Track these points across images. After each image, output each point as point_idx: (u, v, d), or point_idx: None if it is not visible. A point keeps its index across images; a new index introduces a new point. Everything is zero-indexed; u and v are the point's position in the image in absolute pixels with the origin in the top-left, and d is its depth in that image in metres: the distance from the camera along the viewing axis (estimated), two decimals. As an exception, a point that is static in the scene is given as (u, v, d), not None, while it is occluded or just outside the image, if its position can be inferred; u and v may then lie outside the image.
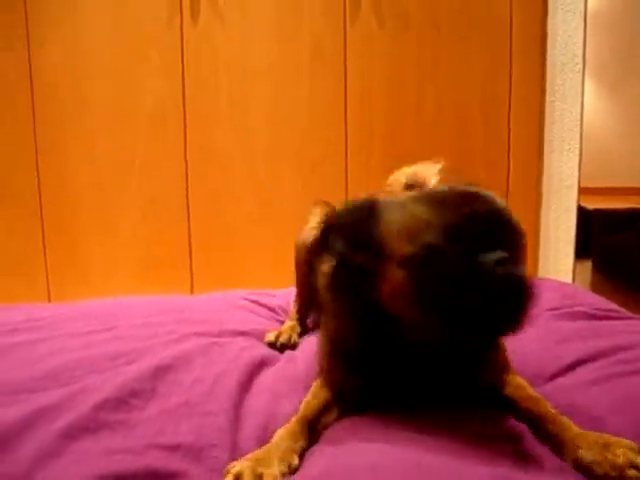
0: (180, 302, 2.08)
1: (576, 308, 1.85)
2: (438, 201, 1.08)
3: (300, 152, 3.21)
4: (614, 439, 1.05)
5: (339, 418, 1.25)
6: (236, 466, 1.03)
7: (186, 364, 1.47)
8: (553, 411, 1.18)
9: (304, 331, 1.90)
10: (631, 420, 1.14)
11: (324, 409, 1.26)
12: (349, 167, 3.20)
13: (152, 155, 3.20)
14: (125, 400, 1.26)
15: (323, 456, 1.07)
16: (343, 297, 1.24)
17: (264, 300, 2.17)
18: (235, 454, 1.13)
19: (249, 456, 1.08)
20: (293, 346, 1.77)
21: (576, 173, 3.40)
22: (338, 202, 1.92)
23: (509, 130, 3.23)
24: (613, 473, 0.98)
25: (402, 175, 1.97)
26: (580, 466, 1.03)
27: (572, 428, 1.12)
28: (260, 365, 1.54)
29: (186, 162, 3.20)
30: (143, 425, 1.19)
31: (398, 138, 3.18)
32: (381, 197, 1.20)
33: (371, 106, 3.18)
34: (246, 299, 2.16)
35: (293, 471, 1.06)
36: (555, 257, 3.39)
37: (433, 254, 1.04)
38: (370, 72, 3.17)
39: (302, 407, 1.26)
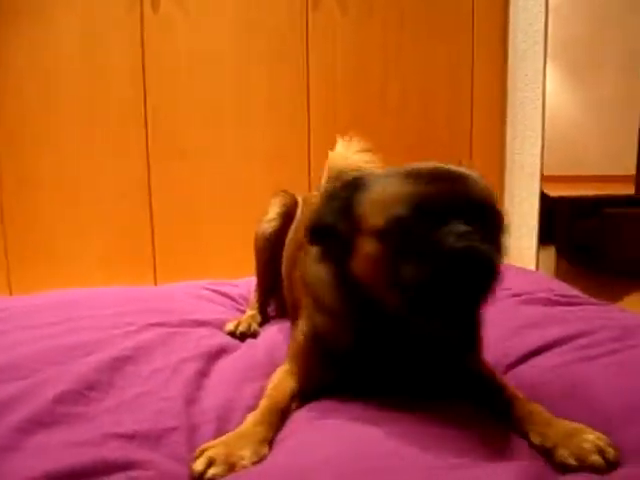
0: (141, 293, 2.06)
1: (538, 294, 1.87)
2: (413, 176, 1.08)
3: (263, 141, 3.20)
4: (585, 427, 1.05)
5: (301, 406, 1.24)
6: (208, 449, 1.02)
7: (145, 355, 1.45)
8: (521, 396, 1.19)
9: (265, 320, 1.89)
10: (579, 405, 1.16)
11: (292, 398, 1.25)
12: (312, 156, 3.19)
13: (114, 147, 3.17)
14: (83, 392, 1.23)
15: (285, 449, 1.06)
16: (329, 268, 1.23)
17: (225, 290, 2.16)
18: (194, 438, 1.13)
19: (222, 440, 1.07)
20: (253, 335, 1.75)
21: (538, 160, 3.43)
22: (300, 192, 1.94)
23: (471, 117, 3.25)
24: (579, 455, 0.97)
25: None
26: (545, 447, 1.03)
27: (543, 411, 1.12)
28: (219, 353, 1.52)
29: (148, 153, 3.17)
30: (101, 417, 1.16)
31: (362, 127, 3.13)
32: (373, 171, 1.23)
33: (335, 94, 3.18)
34: (207, 289, 2.14)
35: (262, 459, 1.05)
36: (519, 244, 3.41)
37: (399, 226, 1.04)
38: (333, 60, 3.16)
39: (271, 394, 1.24)
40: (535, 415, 1.11)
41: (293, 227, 1.80)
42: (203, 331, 1.68)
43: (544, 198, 3.49)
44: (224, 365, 1.46)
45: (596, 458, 0.97)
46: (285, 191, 1.92)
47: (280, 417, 1.18)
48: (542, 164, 3.44)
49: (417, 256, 1.01)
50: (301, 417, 1.19)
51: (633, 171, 7.19)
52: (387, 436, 1.03)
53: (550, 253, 5.56)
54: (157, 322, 1.68)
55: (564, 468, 0.98)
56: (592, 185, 8.34)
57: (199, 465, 0.99)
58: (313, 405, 1.23)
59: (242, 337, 1.72)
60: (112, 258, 3.21)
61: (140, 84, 3.12)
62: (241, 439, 1.07)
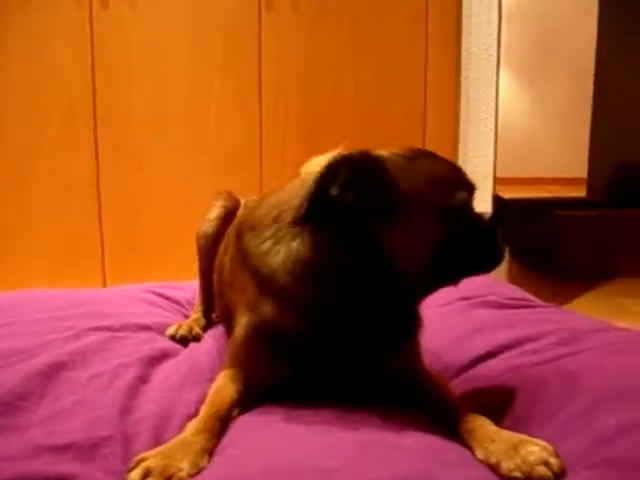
0: (83, 296, 1.98)
1: (488, 297, 1.86)
2: (449, 163, 1.21)
3: (214, 141, 3.15)
4: (530, 438, 1.03)
5: (244, 411, 1.20)
6: (145, 460, 0.98)
7: (83, 361, 1.39)
8: (464, 408, 1.16)
9: (209, 323, 1.84)
10: (526, 411, 1.15)
11: (234, 404, 1.20)
12: (264, 158, 3.15)
13: (62, 144, 3.07)
14: (13, 403, 1.17)
15: (224, 460, 1.02)
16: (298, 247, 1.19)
17: (171, 293, 2.11)
18: (130, 448, 1.09)
19: (159, 450, 1.02)
20: (196, 338, 1.71)
21: (492, 161, 3.42)
22: (252, 193, 1.89)
23: (424, 120, 3.23)
24: (524, 468, 0.95)
25: (314, 167, 1.95)
26: (490, 462, 1.01)
27: (488, 424, 1.10)
28: (160, 358, 1.47)
29: (97, 152, 3.08)
30: (32, 428, 1.11)
31: (314, 129, 3.14)
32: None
33: (287, 94, 3.14)
34: (153, 292, 2.09)
35: (201, 471, 1.01)
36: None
37: (464, 206, 1.15)
38: (285, 59, 3.13)
39: (212, 400, 1.20)
40: (478, 429, 1.08)
41: (229, 230, 1.72)
42: (144, 335, 1.62)
43: (497, 200, 3.48)
44: (164, 370, 1.42)
45: (542, 469, 0.94)
46: (227, 192, 1.87)
47: (221, 425, 1.13)
48: (495, 165, 3.44)
49: (471, 233, 1.16)
50: (243, 424, 1.15)
51: (585, 174, 7.27)
52: (330, 448, 1.00)
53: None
54: (97, 326, 1.62)
55: None
56: (544, 187, 8.45)
57: (134, 477, 0.95)
58: (256, 411, 1.20)
59: (183, 341, 1.67)
60: (59, 259, 3.12)
61: (89, 81, 3.04)
62: (180, 449, 1.02)
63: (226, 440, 1.10)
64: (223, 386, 1.24)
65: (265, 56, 3.11)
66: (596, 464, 0.93)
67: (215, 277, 1.71)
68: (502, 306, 1.81)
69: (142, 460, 0.98)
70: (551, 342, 1.47)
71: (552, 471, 0.95)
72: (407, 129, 3.23)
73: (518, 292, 1.99)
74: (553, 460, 0.96)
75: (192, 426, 1.10)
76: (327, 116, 3.16)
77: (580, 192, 7.24)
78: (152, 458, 0.99)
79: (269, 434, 1.08)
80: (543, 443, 1.00)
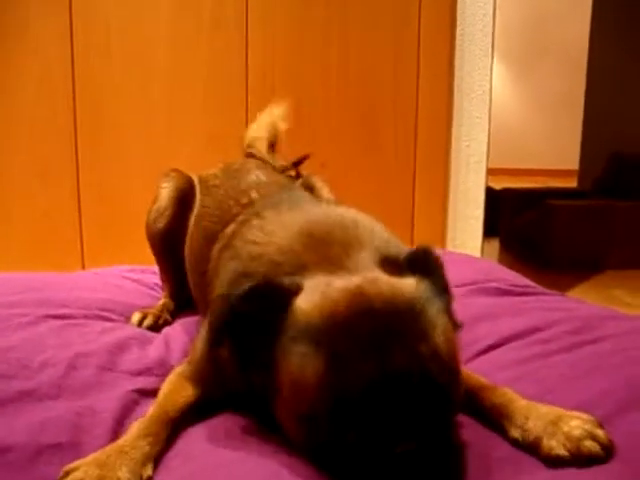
0: (47, 280, 1.81)
1: (491, 284, 1.70)
2: (335, 351, 0.82)
3: (199, 121, 2.99)
4: (569, 412, 0.91)
5: (198, 419, 1.05)
6: (76, 470, 0.82)
7: (35, 349, 1.23)
8: (487, 382, 1.05)
9: (181, 305, 1.70)
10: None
11: (188, 408, 1.05)
12: (249, 135, 2.99)
13: (39, 124, 2.91)
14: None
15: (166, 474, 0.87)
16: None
17: (144, 277, 1.96)
18: (81, 456, 0.91)
19: (95, 457, 0.86)
20: (164, 325, 1.58)
21: (485, 148, 3.29)
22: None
23: (417, 103, 3.09)
24: (568, 445, 0.84)
25: (260, 131, 1.83)
26: (527, 440, 0.90)
27: (518, 399, 0.98)
28: (123, 348, 1.32)
29: (75, 131, 2.92)
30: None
31: (301, 106, 2.98)
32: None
33: (273, 73, 2.99)
34: (125, 277, 1.95)
35: None
36: (463, 235, 3.26)
37: (326, 429, 0.82)
38: (273, 36, 2.97)
39: (162, 401, 1.05)
40: (509, 405, 0.97)
41: (195, 215, 1.58)
42: (109, 324, 1.48)
43: (488, 191, 3.36)
44: (129, 362, 1.26)
45: (590, 444, 0.84)
46: (177, 171, 1.70)
47: (170, 430, 0.98)
48: (489, 152, 3.31)
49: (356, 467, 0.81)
50: (194, 435, 1.00)
51: (576, 166, 7.19)
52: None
53: (494, 246, 5.48)
54: (57, 314, 1.47)
55: (554, 461, 0.85)
56: (536, 179, 8.36)
57: None
58: (211, 421, 1.04)
59: (153, 329, 1.54)
60: (37, 241, 2.96)
61: (68, 56, 2.87)
62: (118, 456, 0.87)
63: (174, 449, 0.95)
64: (177, 386, 1.10)
65: (252, 33, 2.96)
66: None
67: (191, 265, 1.55)
68: (504, 293, 1.65)
69: (72, 470, 0.83)
70: (562, 331, 1.33)
71: (600, 444, 0.84)
72: (399, 114, 3.09)
73: (520, 278, 1.84)
74: (600, 432, 0.86)
75: (134, 429, 0.95)
76: (315, 95, 3.01)
77: (571, 184, 7.16)
78: (84, 467, 0.83)
79: (223, 452, 0.92)
80: (585, 415, 0.90)
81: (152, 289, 1.87)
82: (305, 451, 0.88)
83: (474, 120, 3.26)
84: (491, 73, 3.25)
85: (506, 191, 6.04)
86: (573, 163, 7.42)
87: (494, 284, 1.70)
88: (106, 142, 2.96)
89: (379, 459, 0.77)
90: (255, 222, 1.16)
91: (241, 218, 1.24)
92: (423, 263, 0.96)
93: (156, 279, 1.87)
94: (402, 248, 1.07)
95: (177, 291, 1.71)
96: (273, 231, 1.10)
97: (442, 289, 0.95)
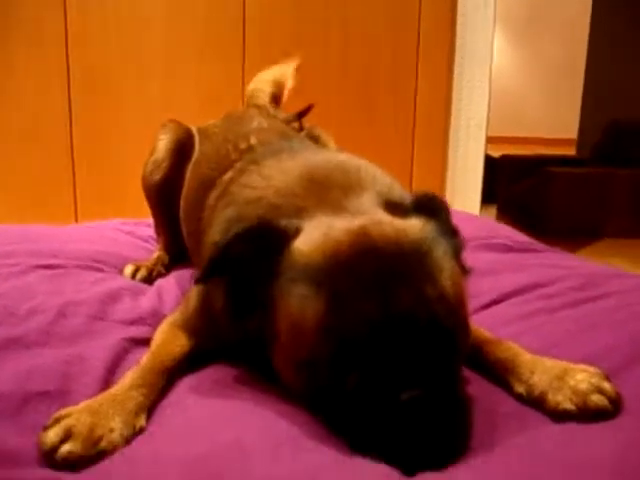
0: (43, 232, 1.78)
1: (493, 240, 1.67)
2: (336, 291, 0.79)
3: (195, 74, 2.94)
4: (574, 365, 0.88)
5: (193, 369, 1.01)
6: (66, 417, 0.78)
7: (24, 296, 1.20)
8: (491, 336, 1.02)
9: (175, 259, 1.66)
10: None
11: (184, 358, 1.02)
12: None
13: (31, 79, 2.86)
14: None
15: (163, 429, 0.83)
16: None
17: (138, 230, 1.93)
18: (70, 405, 0.86)
19: (86, 405, 0.82)
20: (157, 279, 1.54)
21: (485, 112, 3.25)
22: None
23: (417, 64, 3.05)
24: (575, 399, 0.82)
25: (264, 84, 1.78)
26: (533, 395, 0.87)
27: (523, 353, 0.95)
28: (115, 298, 1.28)
29: (69, 84, 2.88)
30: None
31: (299, 70, 2.93)
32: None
33: (270, 27, 2.92)
34: (118, 229, 1.91)
35: (138, 433, 0.82)
36: (461, 201, 3.23)
37: (325, 369, 0.79)
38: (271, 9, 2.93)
39: (157, 350, 1.01)
40: (513, 360, 0.94)
41: (193, 162, 1.53)
42: (101, 274, 1.44)
43: (486, 158, 3.33)
44: (121, 312, 1.23)
45: (597, 398, 0.81)
46: (175, 121, 1.65)
47: (165, 379, 0.95)
48: (489, 117, 3.26)
49: (356, 412, 0.77)
50: (188, 385, 0.96)
51: (575, 135, 7.15)
52: (283, 419, 0.81)
53: (491, 213, 5.44)
54: (48, 264, 1.43)
55: (561, 416, 0.82)
56: (534, 147, 8.30)
57: (52, 437, 0.75)
58: (204, 371, 1.01)
59: (146, 281, 1.51)
60: (30, 197, 2.94)
61: (60, 10, 2.81)
62: (111, 405, 0.83)
63: (170, 399, 0.92)
64: (171, 336, 1.06)
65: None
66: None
67: (186, 213, 1.51)
68: (507, 249, 1.62)
69: (62, 417, 0.79)
70: (566, 287, 1.30)
71: (608, 397, 0.81)
72: (398, 79, 3.05)
73: (521, 236, 1.81)
74: (607, 385, 0.83)
75: (128, 379, 0.90)
76: (312, 57, 2.95)
77: (569, 153, 7.12)
78: (76, 414, 0.79)
79: (218, 402, 0.89)
80: (591, 369, 0.87)
81: (146, 242, 1.83)
82: (304, 399, 0.85)
83: (475, 84, 3.21)
84: (493, 38, 3.20)
85: (504, 158, 5.99)
86: (572, 132, 7.38)
87: (496, 240, 1.67)
88: (100, 95, 2.91)
89: (382, 407, 0.73)
90: (253, 168, 1.11)
91: (239, 166, 1.19)
92: (430, 207, 0.92)
93: (150, 232, 1.83)
94: (406, 194, 1.03)
95: (172, 244, 1.67)
96: (272, 175, 1.06)
97: (450, 233, 0.91)
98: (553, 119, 9.89)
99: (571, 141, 7.43)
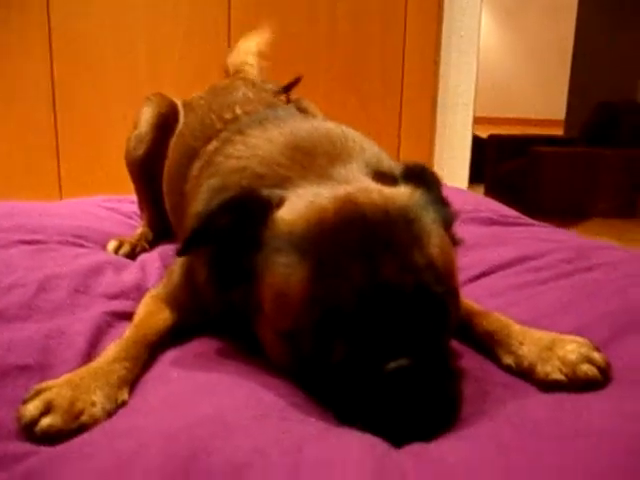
0: (24, 208, 1.74)
1: (480, 214, 1.66)
2: (321, 259, 0.77)
3: (180, 54, 2.90)
4: (563, 336, 0.88)
5: (176, 343, 0.99)
6: (47, 390, 0.76)
7: (3, 268, 1.18)
8: (479, 308, 1.01)
9: (159, 237, 1.64)
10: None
11: (167, 332, 1.00)
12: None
13: (14, 53, 2.81)
14: None
15: (143, 397, 0.82)
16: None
17: (122, 207, 1.90)
18: (50, 379, 0.84)
19: (67, 378, 0.80)
20: (141, 254, 1.52)
21: (473, 89, 3.23)
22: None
23: (404, 42, 3.02)
24: (564, 369, 0.81)
25: (250, 57, 1.78)
26: (522, 366, 0.86)
27: (512, 324, 0.94)
28: (97, 272, 1.25)
29: (51, 59, 2.83)
30: None
31: (286, 39, 2.89)
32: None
33: (257, 4, 2.89)
34: (101, 206, 1.88)
35: (120, 407, 0.80)
36: (449, 179, 3.20)
37: (310, 336, 0.77)
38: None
39: (140, 324, 0.99)
40: (502, 331, 0.93)
41: (176, 134, 1.51)
42: (83, 250, 1.42)
43: (473, 138, 3.31)
44: (101, 285, 1.20)
45: (586, 367, 0.80)
46: (160, 95, 1.63)
47: (148, 353, 0.93)
48: (477, 94, 3.24)
49: (341, 382, 0.75)
50: (171, 358, 0.94)
51: (563, 116, 7.14)
52: (266, 390, 0.80)
53: (479, 192, 5.42)
54: (30, 239, 1.41)
55: (550, 387, 0.82)
56: (522, 128, 8.29)
57: (31, 410, 0.73)
58: (188, 345, 0.99)
59: (130, 258, 1.49)
60: (13, 174, 2.90)
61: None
62: (93, 379, 0.81)
63: (153, 372, 0.90)
64: (157, 310, 1.04)
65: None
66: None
67: (169, 186, 1.48)
68: (494, 223, 1.61)
69: (42, 390, 0.77)
70: (555, 259, 1.29)
71: (598, 367, 0.80)
72: (386, 54, 3.02)
73: (509, 210, 1.79)
74: (596, 355, 0.82)
75: (110, 352, 0.88)
76: (299, 30, 2.92)
77: (557, 134, 7.12)
78: (56, 388, 0.77)
79: (201, 374, 0.87)
80: (580, 339, 0.86)
81: (130, 218, 1.81)
82: (289, 372, 0.83)
83: (462, 62, 3.19)
84: (480, 16, 3.17)
85: (492, 138, 5.98)
86: (559, 113, 7.37)
87: (483, 214, 1.66)
88: (83, 72, 2.87)
89: (368, 378, 0.71)
90: (238, 138, 1.09)
91: (224, 135, 1.17)
92: (420, 177, 0.90)
93: (134, 208, 1.81)
94: (395, 164, 1.01)
95: (156, 220, 1.65)
96: (257, 145, 1.04)
97: (440, 203, 0.90)
98: (541, 100, 9.89)
99: (558, 122, 7.43)
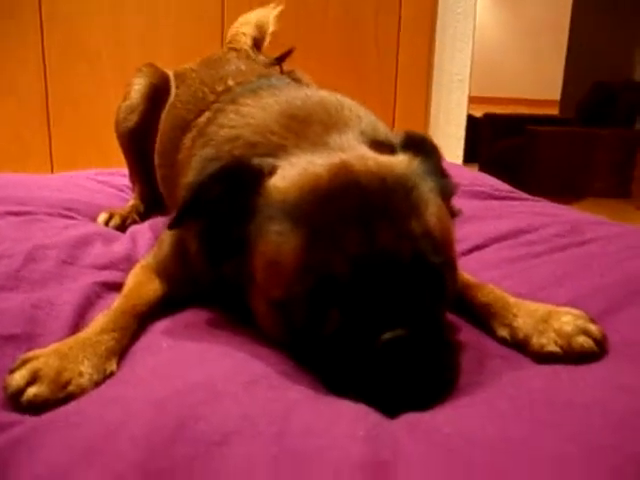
0: (13, 180, 1.73)
1: (475, 188, 1.64)
2: (315, 226, 0.76)
3: (174, 31, 2.86)
4: (559, 308, 0.86)
5: (166, 314, 0.98)
6: (33, 360, 0.75)
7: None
8: (473, 280, 0.99)
9: (151, 210, 1.62)
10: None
11: (157, 302, 0.98)
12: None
13: (3, 25, 2.77)
14: None
15: (132, 367, 0.81)
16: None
17: (113, 180, 1.88)
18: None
19: (54, 348, 0.79)
20: (131, 226, 1.51)
21: (468, 65, 3.20)
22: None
23: (400, 16, 2.97)
24: (559, 341, 0.79)
25: (245, 26, 1.72)
26: (516, 338, 0.85)
27: (507, 296, 0.92)
28: (86, 242, 1.24)
29: (42, 31, 2.78)
30: None
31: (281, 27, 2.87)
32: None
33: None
34: (92, 179, 1.86)
35: (108, 377, 0.79)
36: (445, 153, 3.17)
37: (303, 304, 0.76)
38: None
39: (129, 294, 0.97)
40: (497, 303, 0.91)
41: (168, 106, 1.49)
42: (72, 221, 1.41)
43: (468, 118, 3.28)
44: (91, 256, 1.19)
45: (582, 339, 0.79)
46: (151, 65, 1.61)
47: (137, 323, 0.91)
48: (472, 71, 3.22)
49: (334, 352, 0.74)
50: (160, 329, 0.93)
51: (558, 96, 7.13)
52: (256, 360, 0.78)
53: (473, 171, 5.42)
54: (17, 210, 1.39)
55: (545, 359, 0.80)
56: (516, 108, 8.27)
57: (17, 379, 0.72)
58: (177, 316, 0.97)
59: (121, 230, 1.47)
60: (3, 148, 2.85)
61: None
62: (81, 349, 0.79)
63: (142, 343, 0.89)
64: (146, 280, 1.02)
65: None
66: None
67: (161, 158, 1.46)
68: (488, 196, 1.60)
69: (29, 360, 0.75)
70: (550, 233, 1.28)
71: (594, 339, 0.79)
72: (381, 30, 2.97)
73: (504, 185, 1.78)
74: (593, 327, 0.81)
75: (99, 322, 0.87)
76: (293, 8, 2.88)
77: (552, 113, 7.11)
78: (43, 357, 0.76)
79: (191, 344, 0.85)
80: (576, 311, 0.84)
81: (121, 191, 1.80)
82: (281, 343, 0.82)
83: (458, 37, 3.16)
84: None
85: (487, 117, 5.97)
86: (554, 93, 7.35)
87: (478, 188, 1.64)
88: (75, 44, 2.82)
89: (362, 348, 0.70)
90: (231, 108, 1.07)
91: (216, 106, 1.16)
92: (418, 146, 0.88)
93: (125, 181, 1.79)
94: (392, 133, 0.99)
95: (147, 193, 1.64)
96: (250, 113, 1.02)
97: (439, 173, 0.88)
98: (536, 80, 9.85)
99: (553, 102, 7.41)
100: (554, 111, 7.15)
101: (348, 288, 0.72)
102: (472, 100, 3.42)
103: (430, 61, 3.10)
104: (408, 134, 0.91)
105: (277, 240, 0.78)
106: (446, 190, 0.88)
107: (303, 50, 2.61)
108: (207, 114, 1.16)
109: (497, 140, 5.57)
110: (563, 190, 4.84)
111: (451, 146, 3.21)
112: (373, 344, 0.69)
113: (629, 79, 5.74)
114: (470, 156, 3.78)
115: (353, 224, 0.74)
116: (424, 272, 0.75)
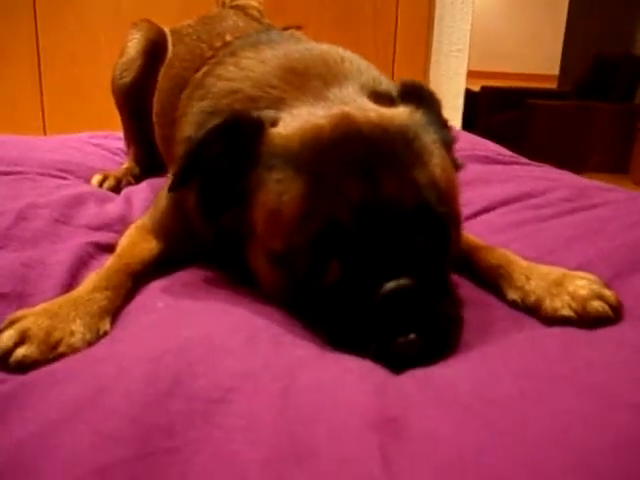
0: (4, 140, 1.69)
1: (477, 152, 1.60)
2: (316, 173, 0.73)
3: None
4: (573, 272, 0.83)
5: (161, 274, 0.94)
6: (22, 319, 0.71)
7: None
8: (482, 243, 0.97)
9: (146, 173, 1.58)
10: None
11: (152, 262, 0.95)
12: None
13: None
14: None
15: (124, 327, 0.78)
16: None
17: (107, 142, 1.85)
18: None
19: (44, 307, 0.75)
20: (125, 188, 1.47)
21: (467, 35, 3.16)
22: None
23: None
24: (574, 305, 0.76)
25: None
26: (528, 301, 0.81)
27: (518, 259, 0.89)
28: (80, 202, 1.21)
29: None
30: None
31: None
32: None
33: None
34: (86, 141, 1.82)
35: (101, 337, 0.75)
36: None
37: (305, 256, 0.74)
38: None
39: (122, 253, 0.94)
40: (508, 266, 0.88)
41: (166, 64, 1.45)
42: (65, 182, 1.37)
43: (466, 92, 3.25)
44: (84, 216, 1.15)
45: (597, 304, 0.75)
46: (148, 21, 1.56)
47: (131, 282, 0.88)
48: (471, 40, 3.17)
49: (337, 304, 0.71)
50: (155, 288, 0.89)
51: (556, 71, 7.08)
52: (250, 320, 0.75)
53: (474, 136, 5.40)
54: (8, 170, 1.36)
55: (558, 323, 0.77)
56: (515, 83, 8.22)
57: (5, 340, 0.69)
58: (174, 275, 0.94)
59: (115, 192, 1.44)
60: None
61: None
62: (72, 308, 0.76)
63: (137, 303, 0.85)
64: (141, 239, 0.99)
65: None
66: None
67: (159, 117, 1.42)
68: (492, 161, 1.57)
69: (18, 319, 0.72)
70: (557, 198, 1.25)
71: (609, 304, 0.75)
72: (379, 2, 2.92)
73: (506, 150, 1.74)
74: (608, 292, 0.77)
75: (91, 280, 0.83)
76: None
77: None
78: (32, 317, 0.72)
79: (188, 303, 0.82)
80: (591, 275, 0.81)
81: (115, 154, 1.76)
82: (282, 299, 0.79)
83: (457, 7, 3.12)
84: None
85: (485, 90, 5.92)
86: (553, 68, 7.30)
87: (481, 152, 1.61)
88: (67, 3, 2.79)
89: (366, 299, 0.67)
90: (230, 60, 1.04)
91: (214, 60, 1.12)
92: (419, 97, 0.85)
93: (120, 144, 1.76)
94: (393, 85, 0.95)
95: (143, 155, 1.61)
96: (249, 66, 0.98)
97: (440, 124, 0.85)
98: (535, 54, 9.78)
99: (552, 77, 7.36)
100: (552, 86, 7.10)
101: (350, 236, 0.70)
102: (470, 74, 3.39)
103: (429, 30, 3.06)
104: (404, 84, 0.88)
105: (278, 189, 0.75)
106: (447, 141, 0.86)
107: (300, 20, 2.57)
108: (205, 68, 1.13)
109: (495, 113, 5.53)
110: (561, 164, 4.75)
111: (449, 116, 3.12)
112: (376, 293, 0.66)
113: (628, 53, 5.69)
114: (468, 129, 3.74)
115: (356, 172, 0.72)
116: (428, 222, 0.72)
